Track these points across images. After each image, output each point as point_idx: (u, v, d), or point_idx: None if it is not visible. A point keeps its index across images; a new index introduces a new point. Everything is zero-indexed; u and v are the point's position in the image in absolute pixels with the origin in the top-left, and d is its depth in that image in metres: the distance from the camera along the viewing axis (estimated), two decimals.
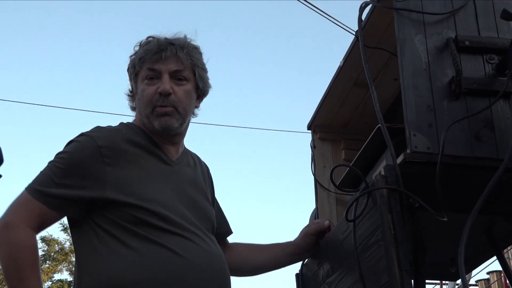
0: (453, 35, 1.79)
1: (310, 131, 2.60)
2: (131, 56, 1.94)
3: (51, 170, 1.77)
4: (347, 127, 2.58)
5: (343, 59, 2.22)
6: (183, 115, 1.88)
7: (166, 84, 1.85)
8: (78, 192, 1.75)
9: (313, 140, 2.57)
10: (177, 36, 1.93)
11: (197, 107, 1.98)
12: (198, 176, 1.99)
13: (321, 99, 2.46)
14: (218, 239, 1.99)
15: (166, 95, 1.84)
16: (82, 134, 1.83)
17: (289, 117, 32.08)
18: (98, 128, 1.85)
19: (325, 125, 2.56)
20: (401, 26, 1.78)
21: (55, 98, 29.59)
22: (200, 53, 1.96)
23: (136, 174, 1.79)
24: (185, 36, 1.94)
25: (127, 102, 1.99)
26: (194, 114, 1.98)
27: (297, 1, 4.50)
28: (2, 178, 1.67)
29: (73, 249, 1.85)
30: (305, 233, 2.14)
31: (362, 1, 1.95)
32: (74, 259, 1.89)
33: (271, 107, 32.36)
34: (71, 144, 1.82)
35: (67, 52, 29.60)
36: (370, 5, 1.94)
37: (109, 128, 1.87)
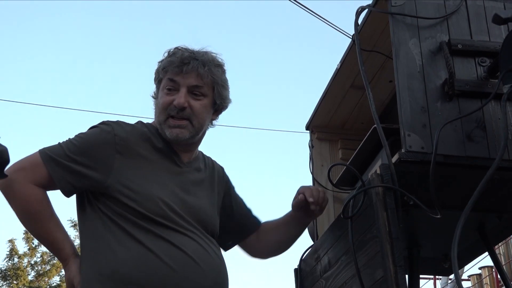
0: (446, 38, 1.84)
1: (308, 131, 2.65)
2: (159, 62, 2.00)
3: (67, 145, 1.88)
4: (344, 127, 2.62)
5: (340, 62, 2.27)
6: (197, 128, 1.94)
7: (181, 98, 1.90)
8: (83, 169, 1.84)
9: (311, 140, 2.62)
10: (204, 49, 1.98)
11: (214, 119, 2.03)
12: (207, 181, 2.05)
13: (319, 100, 2.50)
14: (251, 234, 2.10)
15: (180, 108, 1.90)
16: (103, 123, 1.93)
17: (288, 118, 32.04)
18: (119, 121, 1.95)
19: (323, 126, 2.61)
20: (396, 30, 1.83)
21: (55, 98, 29.50)
22: (224, 71, 2.00)
23: (142, 168, 1.87)
24: (210, 53, 1.97)
25: (153, 101, 2.03)
26: (212, 124, 2.03)
27: (297, 4, 4.53)
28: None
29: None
30: (291, 212, 2.11)
31: (358, 5, 1.99)
32: None
33: (270, 107, 32.31)
34: (92, 129, 1.93)
35: (67, 52, 29.54)
36: (366, 10, 1.98)
37: (129, 123, 1.96)
